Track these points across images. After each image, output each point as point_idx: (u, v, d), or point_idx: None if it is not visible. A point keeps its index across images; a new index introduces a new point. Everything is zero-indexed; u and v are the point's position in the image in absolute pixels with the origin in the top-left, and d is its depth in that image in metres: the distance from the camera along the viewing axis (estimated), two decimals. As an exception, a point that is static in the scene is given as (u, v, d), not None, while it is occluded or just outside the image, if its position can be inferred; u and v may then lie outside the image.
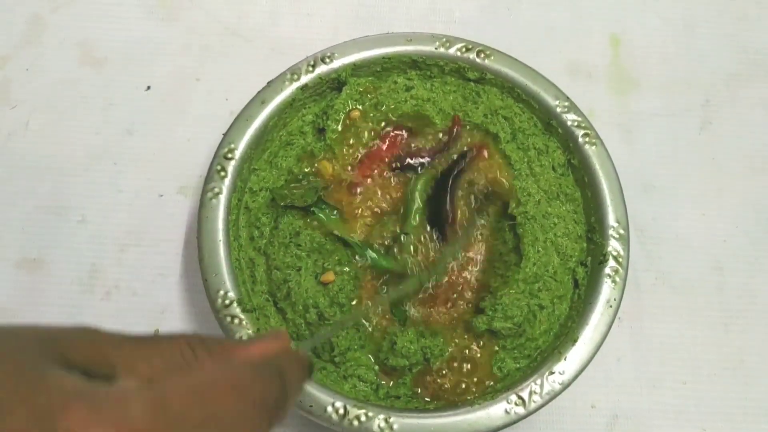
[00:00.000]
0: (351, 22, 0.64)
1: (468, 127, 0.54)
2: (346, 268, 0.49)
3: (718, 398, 0.54)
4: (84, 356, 0.24)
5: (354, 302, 0.49)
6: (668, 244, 0.58)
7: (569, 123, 0.53)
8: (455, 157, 0.53)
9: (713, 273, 0.57)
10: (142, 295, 0.55)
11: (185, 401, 0.23)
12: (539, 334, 0.49)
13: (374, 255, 0.50)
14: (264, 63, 0.61)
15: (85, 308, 0.54)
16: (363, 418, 0.44)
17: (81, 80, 0.61)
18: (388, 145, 0.53)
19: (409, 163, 0.53)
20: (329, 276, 0.49)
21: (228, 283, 0.48)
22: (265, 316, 0.48)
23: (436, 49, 0.54)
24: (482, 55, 0.54)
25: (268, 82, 0.53)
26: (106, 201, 0.57)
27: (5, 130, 0.59)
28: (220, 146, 0.51)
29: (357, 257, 0.50)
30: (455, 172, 0.52)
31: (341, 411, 0.44)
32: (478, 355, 0.48)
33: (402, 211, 0.52)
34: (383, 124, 0.54)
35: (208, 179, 0.50)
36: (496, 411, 0.45)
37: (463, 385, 0.48)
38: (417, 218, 0.51)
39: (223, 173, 0.50)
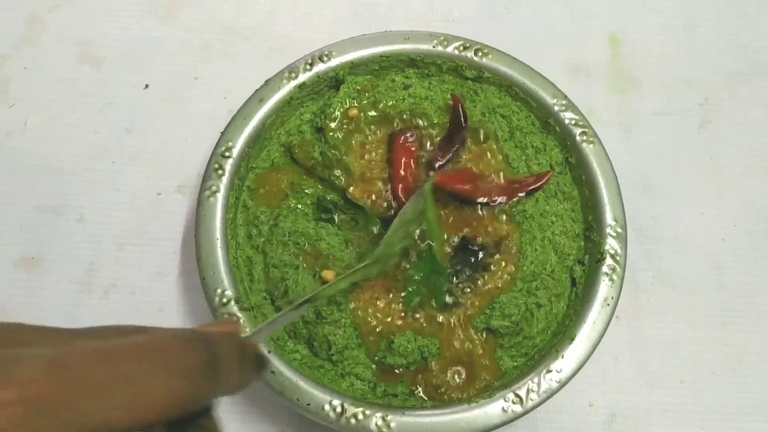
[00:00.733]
0: (349, 21, 0.64)
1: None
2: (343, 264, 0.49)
3: (717, 397, 0.54)
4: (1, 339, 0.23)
5: (352, 304, 0.49)
6: (667, 243, 0.58)
7: (567, 121, 0.53)
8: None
9: (712, 272, 0.57)
10: (140, 294, 0.55)
11: (88, 361, 0.22)
12: (537, 333, 0.49)
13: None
14: (262, 61, 0.62)
15: (83, 306, 0.54)
16: (360, 417, 0.44)
17: (80, 79, 0.61)
18: (398, 150, 0.53)
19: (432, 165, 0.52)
20: (329, 274, 0.49)
21: (226, 282, 0.48)
22: (263, 315, 0.48)
23: (434, 47, 0.54)
24: (480, 54, 0.54)
25: (266, 81, 0.53)
26: (104, 200, 0.57)
27: (4, 129, 0.59)
28: (218, 145, 0.51)
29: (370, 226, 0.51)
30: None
31: (339, 409, 0.44)
32: (476, 353, 0.48)
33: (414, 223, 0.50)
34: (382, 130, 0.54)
35: (206, 178, 0.51)
36: (494, 409, 0.45)
37: (461, 384, 0.47)
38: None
39: (220, 172, 0.50)
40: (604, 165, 0.51)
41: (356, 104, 0.53)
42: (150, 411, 0.22)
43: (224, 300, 0.47)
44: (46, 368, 0.21)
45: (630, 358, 0.54)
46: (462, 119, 0.52)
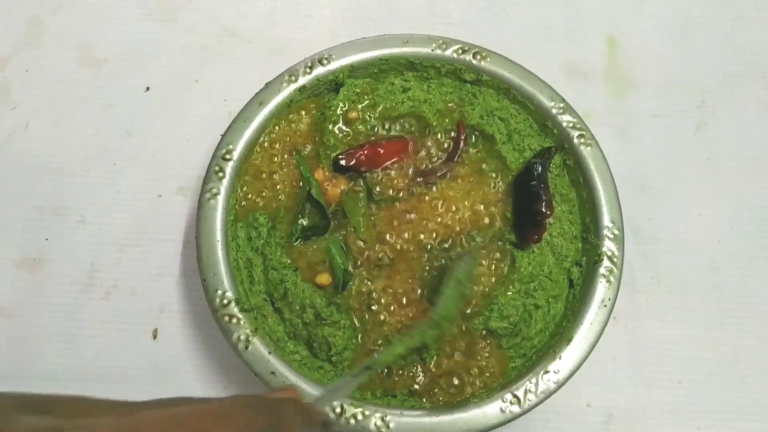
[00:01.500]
0: (349, 24, 0.64)
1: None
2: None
3: (714, 397, 0.54)
4: (68, 410, 0.24)
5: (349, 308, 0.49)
6: (664, 244, 0.58)
7: (564, 124, 0.53)
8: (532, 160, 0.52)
9: (709, 273, 0.58)
10: (141, 295, 0.55)
11: (161, 427, 0.23)
12: (535, 334, 0.49)
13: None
14: (262, 64, 0.62)
15: (84, 307, 0.55)
16: (360, 417, 0.44)
17: (80, 81, 0.62)
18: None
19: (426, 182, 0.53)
20: (323, 278, 0.49)
21: (226, 283, 0.48)
22: (263, 316, 0.49)
23: (432, 50, 0.55)
24: (478, 57, 0.55)
25: (266, 84, 0.54)
26: (105, 201, 0.58)
27: (5, 131, 0.60)
28: (218, 147, 0.52)
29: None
30: (539, 170, 0.51)
31: (338, 409, 0.44)
32: (475, 354, 0.49)
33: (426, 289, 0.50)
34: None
35: (207, 180, 0.51)
36: (492, 409, 0.45)
37: (459, 384, 0.48)
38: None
39: (221, 174, 0.51)
40: (601, 167, 0.52)
41: (356, 107, 0.54)
42: None
43: (224, 301, 0.48)
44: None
45: (627, 359, 0.55)
46: (461, 145, 0.53)
